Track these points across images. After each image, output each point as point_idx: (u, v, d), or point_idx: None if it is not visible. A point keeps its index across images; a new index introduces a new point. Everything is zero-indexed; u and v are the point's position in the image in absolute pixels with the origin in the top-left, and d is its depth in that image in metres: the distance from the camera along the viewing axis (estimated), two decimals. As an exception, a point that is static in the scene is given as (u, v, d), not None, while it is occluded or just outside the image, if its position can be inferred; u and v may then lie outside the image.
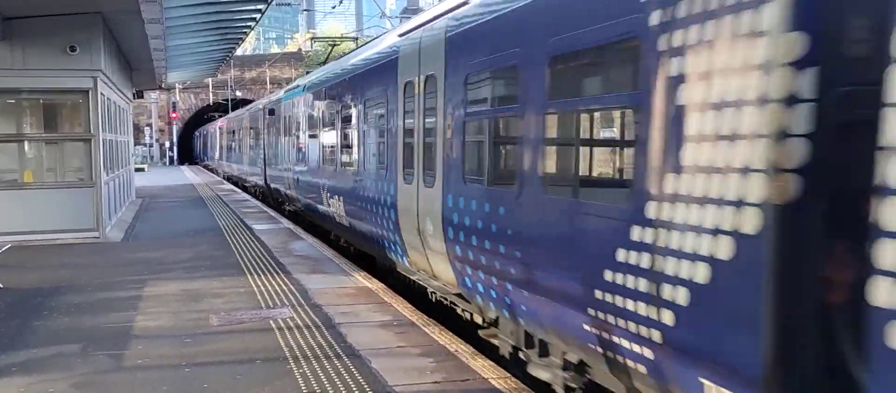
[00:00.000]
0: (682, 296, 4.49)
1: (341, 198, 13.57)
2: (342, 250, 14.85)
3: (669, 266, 4.57)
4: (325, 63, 22.01)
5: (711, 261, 4.24)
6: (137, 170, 41.46)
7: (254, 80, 69.14)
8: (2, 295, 10.67)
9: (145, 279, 11.66)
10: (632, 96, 5.03)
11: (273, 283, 11.20)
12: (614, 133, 5.82)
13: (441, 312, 9.51)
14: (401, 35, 10.64)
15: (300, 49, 57.09)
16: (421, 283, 10.14)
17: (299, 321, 8.87)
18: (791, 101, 3.72)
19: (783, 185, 3.78)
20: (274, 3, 22.84)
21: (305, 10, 66.23)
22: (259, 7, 19.90)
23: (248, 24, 22.42)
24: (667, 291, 4.60)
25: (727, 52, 4.10)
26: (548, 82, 6.08)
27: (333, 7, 40.17)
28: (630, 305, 4.96)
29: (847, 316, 3.53)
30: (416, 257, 9.70)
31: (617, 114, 5.69)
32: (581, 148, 5.85)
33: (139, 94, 32.09)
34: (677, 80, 4.49)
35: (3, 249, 12.77)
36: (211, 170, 55.49)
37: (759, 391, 3.95)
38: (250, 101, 45.61)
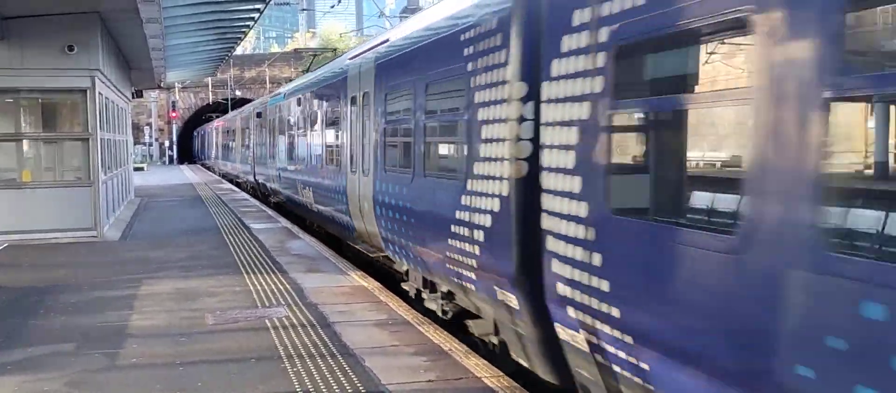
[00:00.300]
0: (481, 236, 7.11)
1: (310, 188, 16.60)
2: (339, 249, 14.87)
3: (476, 218, 7.20)
4: (307, 71, 24.02)
5: (491, 213, 6.88)
6: (136, 169, 41.49)
7: (253, 80, 69.16)
8: (-2, 294, 10.69)
9: (141, 278, 11.68)
10: (461, 113, 7.69)
11: (269, 282, 11.22)
12: (455, 137, 8.07)
13: (391, 280, 11.36)
14: (351, 59, 13.32)
15: (296, 49, 57.03)
16: (364, 252, 12.88)
17: (294, 320, 8.89)
18: (520, 120, 6.40)
19: (519, 168, 6.41)
20: (272, 2, 22.86)
21: (304, 9, 66.28)
22: (257, 7, 19.93)
23: (247, 23, 22.44)
24: (475, 234, 7.22)
25: (495, 90, 6.81)
26: (424, 101, 8.86)
27: (332, 6, 40.16)
28: (465, 246, 7.48)
29: (538, 235, 6.08)
30: (361, 231, 12.22)
31: (456, 124, 8.01)
32: (440, 146, 8.84)
33: (138, 94, 32.10)
34: (477, 106, 7.19)
35: (1, 248, 12.80)
36: (209, 169, 55.63)
37: (514, 286, 6.55)
38: (250, 101, 46.19)
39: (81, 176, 16.71)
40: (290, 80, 28.21)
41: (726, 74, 4.62)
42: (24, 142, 17.13)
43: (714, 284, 4.16)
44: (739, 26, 3.99)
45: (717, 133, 4.92)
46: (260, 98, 30.85)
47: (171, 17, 17.29)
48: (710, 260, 4.17)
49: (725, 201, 4.47)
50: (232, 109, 51.20)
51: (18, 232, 15.63)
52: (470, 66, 7.36)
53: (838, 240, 3.58)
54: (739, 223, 3.99)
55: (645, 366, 4.83)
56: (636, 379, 4.98)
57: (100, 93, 16.72)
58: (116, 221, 19.18)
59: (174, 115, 66.42)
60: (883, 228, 3.63)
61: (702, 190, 4.94)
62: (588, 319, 5.40)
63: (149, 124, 66.93)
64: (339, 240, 15.54)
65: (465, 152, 7.42)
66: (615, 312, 5.03)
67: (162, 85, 38.05)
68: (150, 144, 66.74)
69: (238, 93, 67.45)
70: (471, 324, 8.26)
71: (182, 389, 6.60)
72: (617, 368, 5.23)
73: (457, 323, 8.77)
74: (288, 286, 10.86)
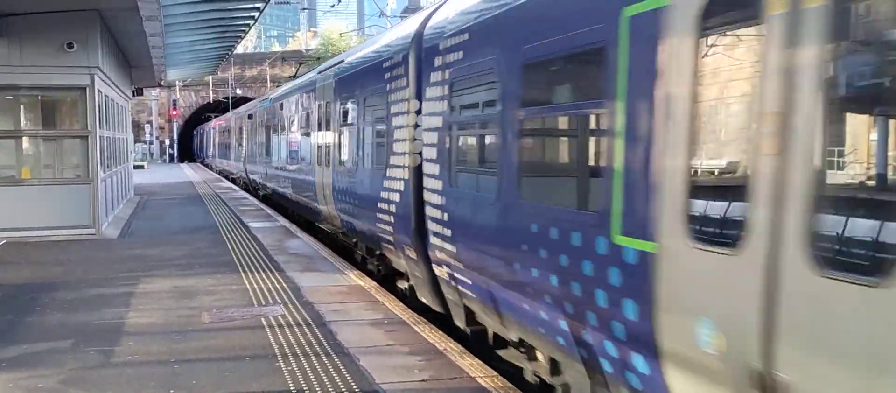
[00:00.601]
0: (393, 208, 9.82)
1: (290, 181, 19.74)
2: (337, 249, 14.88)
3: (391, 196, 9.86)
4: (294, 77, 27.39)
5: (398, 192, 9.57)
6: (137, 167, 41.49)
7: (254, 79, 69.18)
8: (-5, 291, 10.70)
9: (139, 276, 11.69)
10: (384, 120, 10.30)
11: (266, 280, 11.23)
12: (381, 138, 10.58)
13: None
14: (319, 73, 16.30)
15: (281, 59, 57.22)
16: (331, 232, 15.59)
17: (290, 319, 8.90)
18: (415, 125, 8.98)
19: (414, 160, 8.94)
20: (273, 1, 22.86)
21: (304, 8, 66.23)
22: (257, 5, 19.93)
23: (247, 22, 22.44)
24: (391, 208, 9.93)
25: (401, 105, 9.50)
26: (364, 110, 11.71)
27: (332, 5, 40.15)
28: (385, 218, 10.22)
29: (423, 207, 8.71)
30: (325, 214, 15.04)
31: (381, 128, 10.53)
32: (373, 145, 11.25)
33: (138, 92, 32.09)
34: (392, 115, 9.89)
35: (-1, 245, 12.86)
36: (208, 167, 55.83)
37: (412, 243, 9.03)
38: (250, 99, 46.71)
39: (80, 173, 16.73)
40: (289, 80, 30.89)
41: (487, 103, 7.32)
42: (24, 139, 17.14)
43: (488, 223, 7.04)
44: (490, 77, 6.93)
45: (490, 137, 7.18)
46: (253, 101, 34.37)
47: (171, 15, 17.30)
48: (486, 209, 7.06)
49: (489, 175, 7.00)
50: (233, 108, 51.39)
51: (17, 229, 15.65)
52: (387, 87, 10.21)
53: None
54: (499, 191, 6.73)
55: (468, 280, 7.63)
56: (468, 292, 7.75)
57: (99, 90, 16.74)
58: (115, 219, 19.19)
59: (175, 113, 66.45)
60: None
61: (483, 170, 7.37)
62: (445, 257, 8.10)
63: (149, 122, 66.96)
64: (339, 241, 15.56)
65: (385, 149, 10.25)
66: (454, 250, 7.80)
67: (162, 83, 38.03)
68: (151, 143, 66.76)
69: (239, 91, 67.47)
70: (399, 281, 10.91)
71: (176, 387, 6.61)
72: (461, 288, 7.91)
73: (451, 323, 8.80)
74: (285, 285, 10.87)
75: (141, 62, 24.19)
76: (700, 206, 4.28)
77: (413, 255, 9.19)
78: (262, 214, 21.34)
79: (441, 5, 8.94)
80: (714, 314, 4.03)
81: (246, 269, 12.21)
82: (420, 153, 8.79)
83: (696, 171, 4.32)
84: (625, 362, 4.86)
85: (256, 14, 21.08)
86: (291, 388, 6.54)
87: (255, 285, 10.87)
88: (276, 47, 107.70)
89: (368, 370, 6.96)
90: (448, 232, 7.87)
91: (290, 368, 7.07)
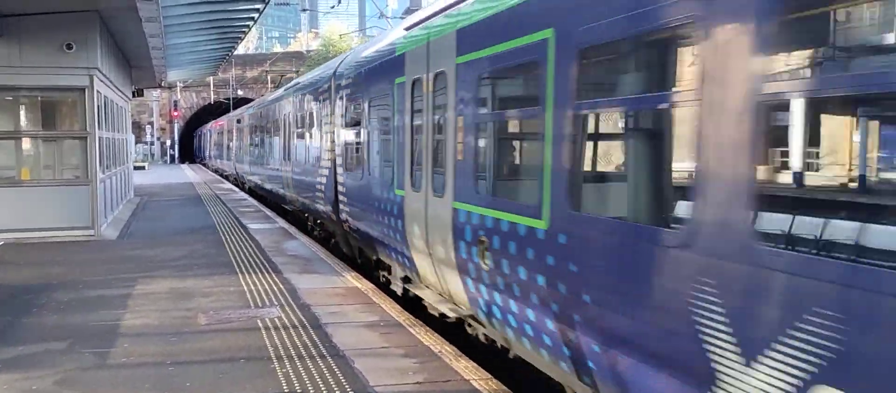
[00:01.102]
0: (324, 190, 14.46)
1: (266, 176, 24.63)
2: (334, 251, 14.89)
3: (322, 181, 14.58)
4: (277, 87, 33.88)
5: (326, 177, 14.35)
6: (137, 168, 41.49)
7: (255, 79, 69.19)
8: (-8, 292, 10.70)
9: (137, 277, 11.69)
10: (319, 129, 14.92)
11: (264, 282, 11.23)
12: (318, 142, 15.05)
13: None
14: (285, 89, 21.53)
15: (265, 70, 57.35)
16: (292, 211, 20.24)
17: (286, 321, 8.90)
18: (332, 132, 13.95)
19: (332, 156, 13.82)
20: (272, 2, 22.86)
21: (304, 9, 66.22)
22: (257, 6, 19.93)
23: (247, 23, 22.44)
24: (322, 190, 14.60)
25: (326, 118, 14.48)
26: (309, 121, 15.85)
27: (332, 7, 40.18)
28: (321, 196, 14.81)
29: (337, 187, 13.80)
30: (289, 199, 19.70)
31: (317, 135, 14.85)
32: (312, 147, 15.66)
33: (139, 93, 32.07)
34: (322, 125, 14.78)
35: (-2, 246, 12.87)
36: (207, 166, 56.13)
37: (333, 211, 13.82)
38: (251, 100, 47.29)
39: (79, 174, 16.73)
40: (289, 80, 35.87)
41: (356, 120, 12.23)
42: (24, 140, 17.14)
43: (360, 193, 11.67)
44: (357, 103, 12.22)
45: (358, 140, 11.91)
46: (242, 108, 39.11)
47: (171, 16, 17.30)
48: (359, 185, 11.70)
49: (358, 164, 12.04)
50: (234, 109, 51.54)
51: (16, 230, 15.66)
52: (320, 106, 15.19)
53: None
54: (362, 173, 11.78)
55: (357, 228, 12.17)
56: (357, 236, 12.41)
57: (98, 91, 16.74)
58: (115, 220, 19.20)
59: (176, 114, 66.48)
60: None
61: (356, 161, 12.19)
62: (346, 217, 12.73)
63: (151, 123, 66.98)
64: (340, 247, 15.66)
65: (319, 150, 15.01)
66: (349, 211, 12.48)
67: (163, 84, 38.03)
68: (152, 143, 66.77)
69: (240, 92, 67.48)
70: (341, 244, 14.74)
71: (170, 389, 6.61)
72: (355, 233, 12.43)
73: (447, 326, 8.81)
74: (282, 287, 10.87)
75: (141, 63, 24.18)
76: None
77: (334, 218, 14.01)
78: (261, 215, 21.34)
79: (347, 54, 14.82)
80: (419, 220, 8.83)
81: (243, 270, 12.21)
82: (334, 151, 13.72)
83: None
84: (401, 253, 9.87)
85: (256, 15, 21.08)
86: (285, 390, 6.54)
87: (253, 287, 10.87)
88: (278, 48, 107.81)
89: (363, 373, 6.96)
90: (346, 200, 12.86)
91: (285, 370, 7.07)
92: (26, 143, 17.18)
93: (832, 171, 4.27)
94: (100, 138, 17.00)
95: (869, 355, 3.27)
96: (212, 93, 69.13)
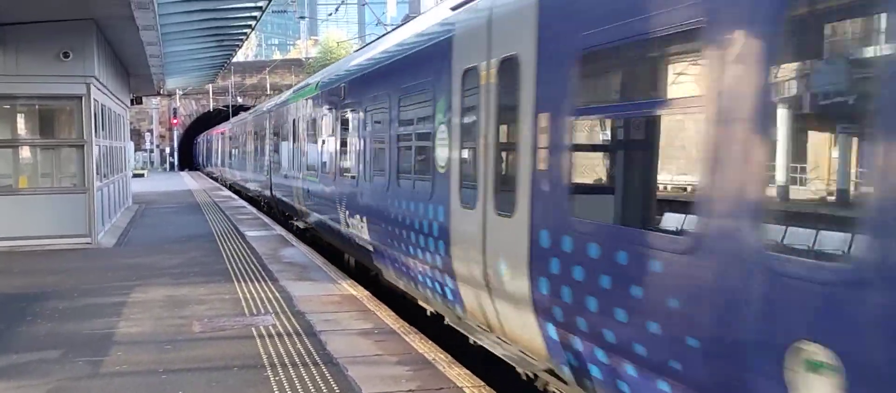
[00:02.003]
0: (291, 190, 19.40)
1: (254, 181, 29.19)
2: (332, 258, 14.86)
3: (295, 183, 18.91)
4: (257, 107, 36.83)
5: (294, 181, 18.79)
6: (136, 175, 41.47)
7: (255, 87, 69.24)
8: (-13, 300, 10.69)
9: (132, 285, 11.68)
10: (292, 136, 19.28)
11: (259, 289, 11.21)
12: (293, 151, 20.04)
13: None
14: (268, 105, 26.33)
15: (253, 88, 57.46)
16: (274, 205, 24.34)
17: (281, 329, 8.88)
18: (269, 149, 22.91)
19: (270, 168, 23.75)
20: (270, 10, 22.88)
21: (302, 17, 66.25)
22: (254, 14, 19.95)
23: (245, 30, 22.46)
24: (291, 190, 19.52)
25: (288, 132, 20.34)
26: (277, 137, 22.29)
27: (330, 14, 40.26)
28: (286, 197, 20.51)
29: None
30: (264, 195, 25.28)
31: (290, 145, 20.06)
32: (282, 157, 21.37)
33: (137, 101, 32.09)
34: (291, 136, 19.77)
35: (-6, 254, 12.87)
36: (206, 173, 56.62)
37: (271, 194, 23.42)
38: (250, 107, 48.35)
39: (77, 182, 16.72)
40: (290, 87, 36.21)
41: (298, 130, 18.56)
42: (21, 148, 17.13)
43: (287, 189, 19.96)
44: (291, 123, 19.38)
45: (300, 148, 17.95)
46: (233, 119, 45.00)
47: (168, 23, 17.30)
48: (293, 188, 18.84)
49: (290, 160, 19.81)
50: (233, 116, 51.76)
51: (13, 238, 15.64)
52: (293, 113, 19.02)
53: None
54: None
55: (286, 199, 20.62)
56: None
57: (95, 99, 16.74)
58: (112, 228, 19.18)
59: (175, 121, 66.49)
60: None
61: (299, 161, 18.28)
62: (280, 194, 21.62)
63: (150, 131, 66.98)
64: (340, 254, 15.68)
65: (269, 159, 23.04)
66: (277, 193, 22.39)
67: (162, 92, 38.07)
68: (151, 151, 66.76)
69: (240, 99, 67.54)
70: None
71: (162, 398, 6.59)
72: (278, 205, 22.15)
73: (441, 332, 8.79)
74: (277, 294, 10.85)
75: (139, 71, 24.19)
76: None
77: (267, 195, 22.82)
78: (259, 222, 21.33)
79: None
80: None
81: (239, 278, 12.19)
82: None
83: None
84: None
85: (253, 22, 21.10)
86: (278, 398, 6.52)
87: (248, 294, 10.85)
88: (277, 55, 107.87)
89: (356, 380, 6.94)
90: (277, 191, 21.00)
91: (278, 378, 7.05)
92: (24, 152, 17.18)
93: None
94: (97, 146, 16.99)
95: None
96: (211, 100, 69.17)
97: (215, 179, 47.87)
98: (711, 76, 4.22)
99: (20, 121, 17.60)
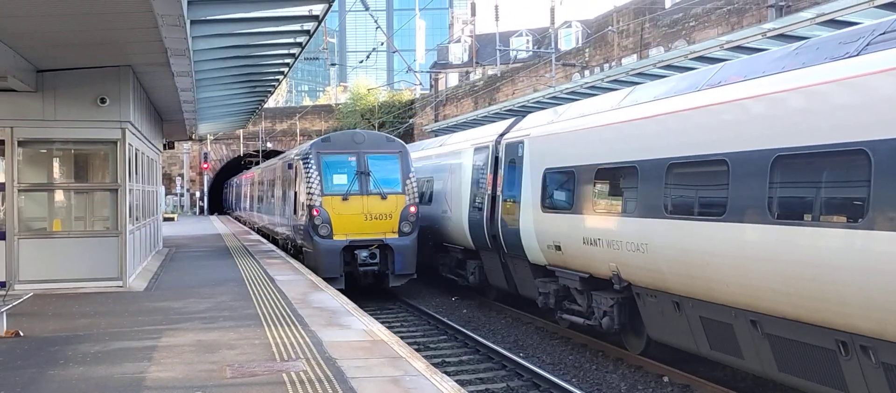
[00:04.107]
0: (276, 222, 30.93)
1: (277, 224, 30.37)
2: (360, 301, 14.82)
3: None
4: (285, 153, 38.63)
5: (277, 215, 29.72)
6: (167, 219, 41.91)
7: (285, 132, 70.00)
8: (20, 343, 10.74)
9: (163, 329, 11.69)
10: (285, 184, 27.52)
11: (289, 335, 11.16)
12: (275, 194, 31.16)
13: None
14: (294, 154, 26.83)
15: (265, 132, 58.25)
16: (267, 232, 34.99)
17: (312, 375, 8.81)
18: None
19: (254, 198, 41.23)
20: (302, 57, 23.18)
21: (333, 64, 67.14)
22: (287, 61, 20.20)
23: (277, 76, 22.74)
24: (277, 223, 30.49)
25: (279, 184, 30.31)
26: (269, 186, 33.58)
27: (361, 61, 40.76)
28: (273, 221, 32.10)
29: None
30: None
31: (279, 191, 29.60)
32: (272, 196, 32.00)
33: (170, 146, 32.61)
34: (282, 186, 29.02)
35: (27, 297, 12.94)
36: (237, 218, 57.22)
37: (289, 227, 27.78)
38: (279, 153, 51.14)
39: (109, 226, 16.88)
40: (321, 133, 47.23)
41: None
42: (57, 192, 17.38)
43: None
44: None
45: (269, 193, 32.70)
46: (254, 167, 50.43)
47: (203, 70, 17.57)
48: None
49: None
50: (265, 160, 52.53)
51: (45, 281, 15.78)
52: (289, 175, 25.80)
53: None
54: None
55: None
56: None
57: (130, 144, 16.97)
58: (143, 271, 19.30)
59: (205, 166, 67.29)
60: None
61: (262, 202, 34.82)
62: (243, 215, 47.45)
63: (181, 175, 67.82)
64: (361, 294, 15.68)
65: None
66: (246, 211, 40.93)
67: (194, 137, 38.69)
68: (182, 195, 67.50)
69: (269, 144, 68.26)
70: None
71: (193, 444, 6.52)
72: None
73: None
74: (308, 340, 10.80)
75: (173, 116, 24.55)
76: None
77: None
78: (288, 266, 21.36)
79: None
80: None
81: (269, 322, 12.16)
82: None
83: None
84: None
85: (286, 69, 21.36)
86: (309, 446, 6.42)
87: (278, 340, 10.80)
88: (307, 101, 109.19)
89: (388, 429, 6.83)
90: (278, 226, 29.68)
91: (308, 425, 6.96)
92: (59, 195, 17.42)
93: None
94: (130, 190, 17.19)
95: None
96: (241, 145, 69.99)
97: (244, 223, 50.01)
98: None
99: (55, 165, 17.88)
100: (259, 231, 38.73)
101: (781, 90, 9.58)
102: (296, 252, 24.43)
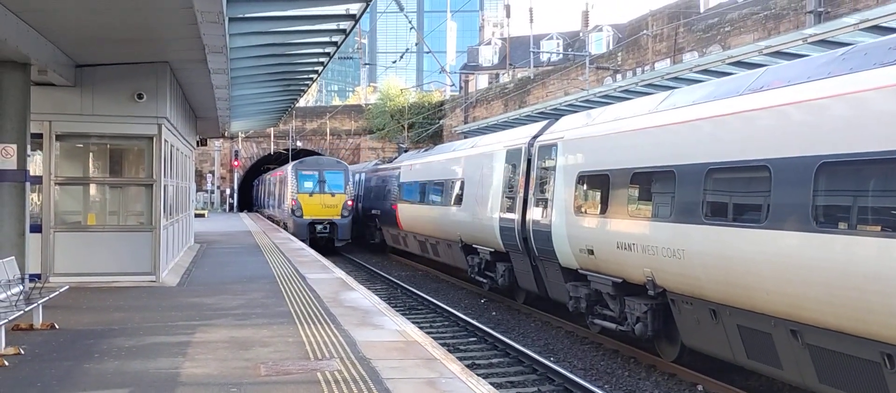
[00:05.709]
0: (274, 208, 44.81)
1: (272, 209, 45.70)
2: (394, 302, 14.77)
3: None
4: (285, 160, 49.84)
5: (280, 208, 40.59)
6: (198, 215, 42.26)
7: (314, 131, 70.28)
8: (55, 335, 10.82)
9: (196, 325, 11.72)
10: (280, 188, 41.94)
11: (323, 333, 11.13)
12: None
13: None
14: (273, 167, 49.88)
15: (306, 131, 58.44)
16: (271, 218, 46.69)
17: (347, 374, 8.76)
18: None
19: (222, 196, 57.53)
20: (336, 56, 23.22)
21: (367, 63, 67.41)
22: (321, 60, 20.22)
23: (311, 75, 22.79)
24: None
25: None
26: (279, 186, 43.80)
27: (394, 61, 41.00)
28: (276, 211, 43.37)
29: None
30: (271, 214, 46.34)
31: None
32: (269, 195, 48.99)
33: (202, 143, 32.91)
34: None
35: (62, 290, 13.03)
36: (261, 213, 58.26)
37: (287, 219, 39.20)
38: (311, 152, 56.08)
39: (144, 221, 17.00)
40: (350, 133, 60.62)
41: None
42: (91, 186, 17.53)
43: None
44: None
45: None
46: (276, 168, 54.89)
47: (238, 68, 17.64)
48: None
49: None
50: (293, 159, 53.11)
51: (80, 274, 15.90)
52: (284, 181, 38.72)
53: None
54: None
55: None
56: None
57: (165, 140, 17.08)
58: (175, 267, 19.42)
59: (236, 163, 67.74)
60: None
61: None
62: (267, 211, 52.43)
63: (212, 172, 68.33)
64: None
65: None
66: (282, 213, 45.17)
67: (226, 134, 39.10)
68: (212, 192, 68.01)
69: (299, 143, 68.55)
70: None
71: (230, 442, 6.50)
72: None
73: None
74: (341, 339, 10.76)
75: (207, 113, 24.70)
76: None
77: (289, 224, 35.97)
78: (319, 264, 21.39)
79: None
80: None
81: (302, 321, 12.15)
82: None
83: None
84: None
85: (321, 67, 21.39)
86: (346, 447, 6.37)
87: (312, 338, 10.78)
88: (337, 101, 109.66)
89: (425, 432, 6.76)
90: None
91: (344, 426, 6.91)
92: (93, 189, 17.57)
93: None
94: (164, 186, 17.29)
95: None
96: (272, 143, 70.36)
97: (274, 221, 51.67)
98: None
99: (91, 159, 18.04)
100: (269, 218, 49.63)
101: (828, 96, 9.38)
102: (284, 227, 38.49)
